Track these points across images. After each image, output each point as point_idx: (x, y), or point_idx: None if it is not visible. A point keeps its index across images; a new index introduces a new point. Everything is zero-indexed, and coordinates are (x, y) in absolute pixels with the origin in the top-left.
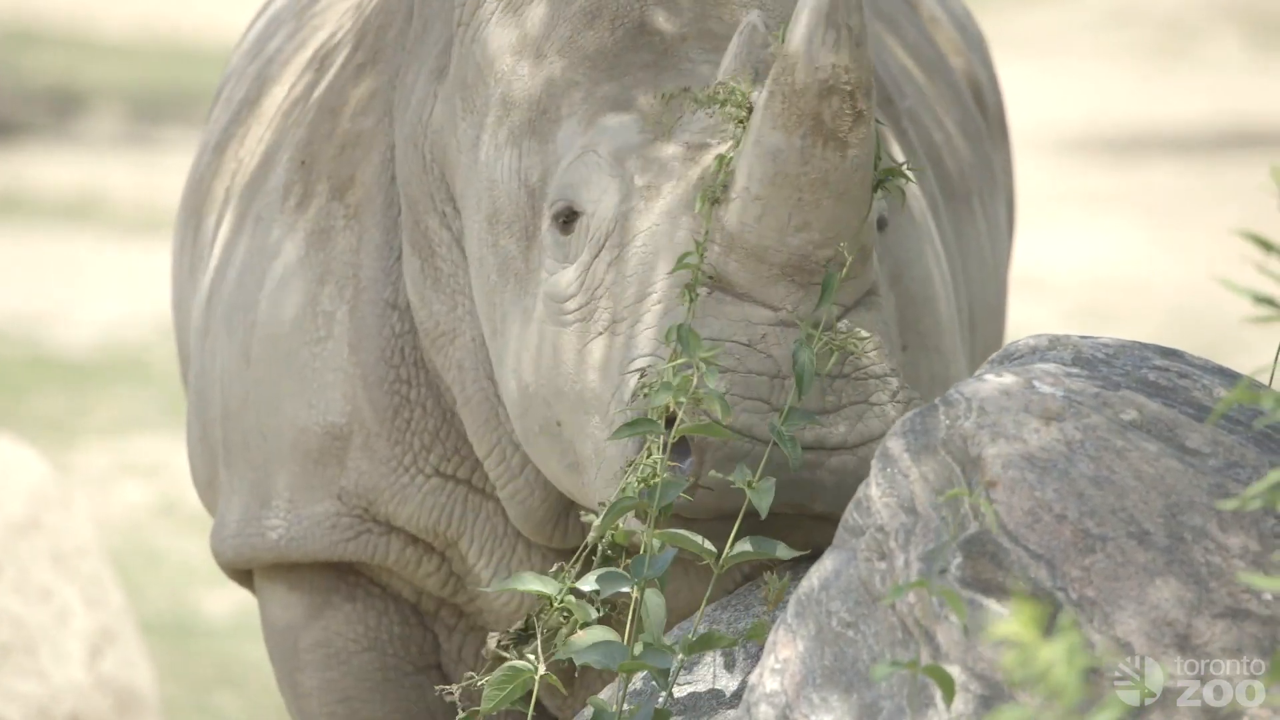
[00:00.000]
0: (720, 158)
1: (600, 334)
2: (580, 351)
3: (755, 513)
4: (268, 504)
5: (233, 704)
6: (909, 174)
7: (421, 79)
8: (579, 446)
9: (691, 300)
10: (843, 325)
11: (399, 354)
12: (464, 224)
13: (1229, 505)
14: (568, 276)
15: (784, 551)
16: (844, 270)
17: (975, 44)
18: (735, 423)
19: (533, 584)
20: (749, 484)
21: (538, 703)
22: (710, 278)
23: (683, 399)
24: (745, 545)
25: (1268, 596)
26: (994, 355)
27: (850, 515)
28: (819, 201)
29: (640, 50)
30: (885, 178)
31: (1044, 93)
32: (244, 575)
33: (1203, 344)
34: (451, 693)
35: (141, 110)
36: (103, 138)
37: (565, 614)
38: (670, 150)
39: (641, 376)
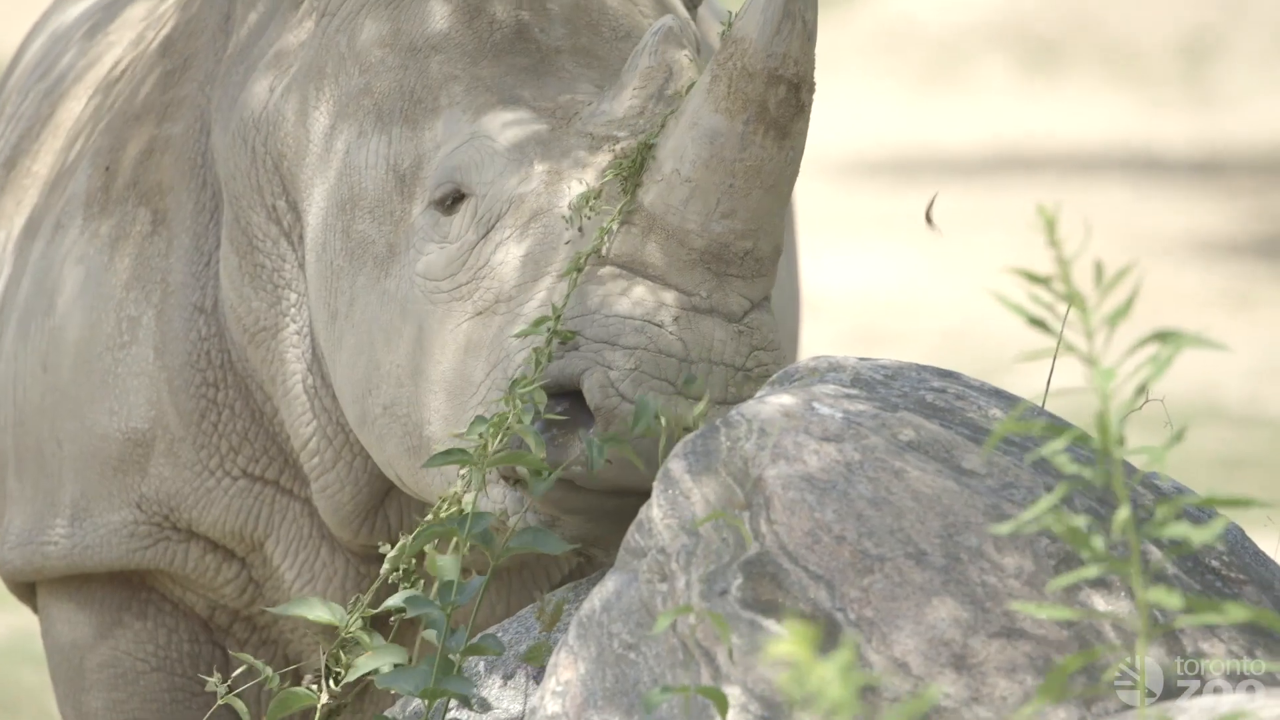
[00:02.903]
0: (642, 143)
1: (479, 314)
2: (454, 330)
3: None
4: (61, 512)
5: None
6: None
7: (254, 76)
8: (427, 428)
9: (573, 284)
10: (749, 321)
11: (205, 357)
12: (305, 211)
13: (1003, 529)
14: (448, 255)
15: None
16: (761, 265)
17: None
18: (640, 399)
19: (318, 611)
20: (590, 443)
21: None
22: (623, 261)
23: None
24: (527, 539)
25: (1042, 616)
26: (774, 377)
27: (632, 536)
28: (749, 190)
29: (518, 54)
30: None
31: (814, 115)
32: (26, 591)
33: (975, 365)
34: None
35: None
36: None
37: (352, 641)
38: (573, 140)
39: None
